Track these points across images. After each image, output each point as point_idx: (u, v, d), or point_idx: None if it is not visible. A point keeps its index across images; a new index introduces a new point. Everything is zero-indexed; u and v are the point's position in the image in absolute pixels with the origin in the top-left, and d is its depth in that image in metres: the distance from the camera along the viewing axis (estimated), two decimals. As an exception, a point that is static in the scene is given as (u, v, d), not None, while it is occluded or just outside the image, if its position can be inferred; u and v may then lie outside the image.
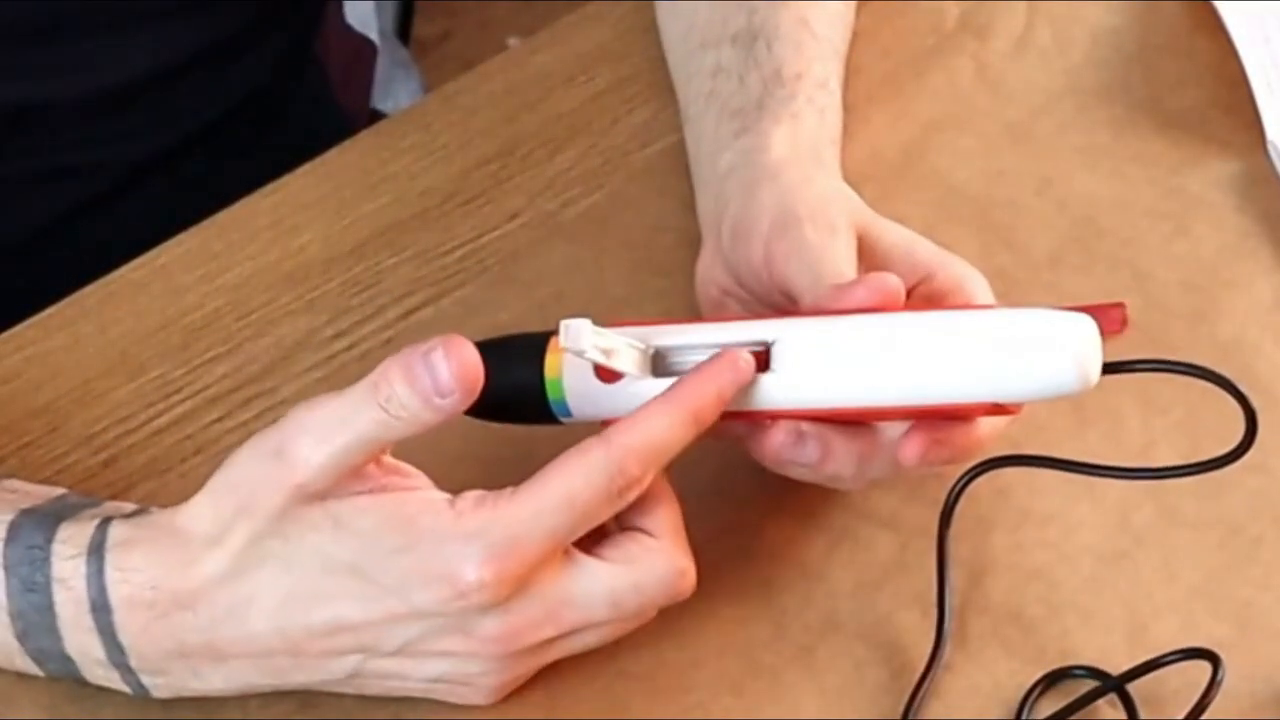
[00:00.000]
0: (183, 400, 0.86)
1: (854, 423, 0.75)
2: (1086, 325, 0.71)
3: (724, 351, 0.72)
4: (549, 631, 0.72)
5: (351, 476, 0.71)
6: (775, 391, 0.73)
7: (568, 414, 0.76)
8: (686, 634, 0.79)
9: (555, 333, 0.73)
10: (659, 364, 0.75)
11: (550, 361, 0.75)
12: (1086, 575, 0.81)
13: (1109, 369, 0.71)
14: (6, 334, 0.89)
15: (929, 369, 0.71)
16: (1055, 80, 0.98)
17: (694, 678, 0.78)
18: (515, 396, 0.76)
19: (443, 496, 0.71)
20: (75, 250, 0.95)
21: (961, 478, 0.79)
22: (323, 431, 0.70)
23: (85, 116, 1.01)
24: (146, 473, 0.84)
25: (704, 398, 0.71)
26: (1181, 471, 0.74)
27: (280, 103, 1.10)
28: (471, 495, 0.71)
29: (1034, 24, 1.00)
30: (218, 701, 0.75)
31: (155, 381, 0.87)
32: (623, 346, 0.74)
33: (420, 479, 0.73)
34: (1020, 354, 0.70)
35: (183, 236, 0.92)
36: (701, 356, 0.74)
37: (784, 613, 0.80)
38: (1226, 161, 0.94)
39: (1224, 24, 0.98)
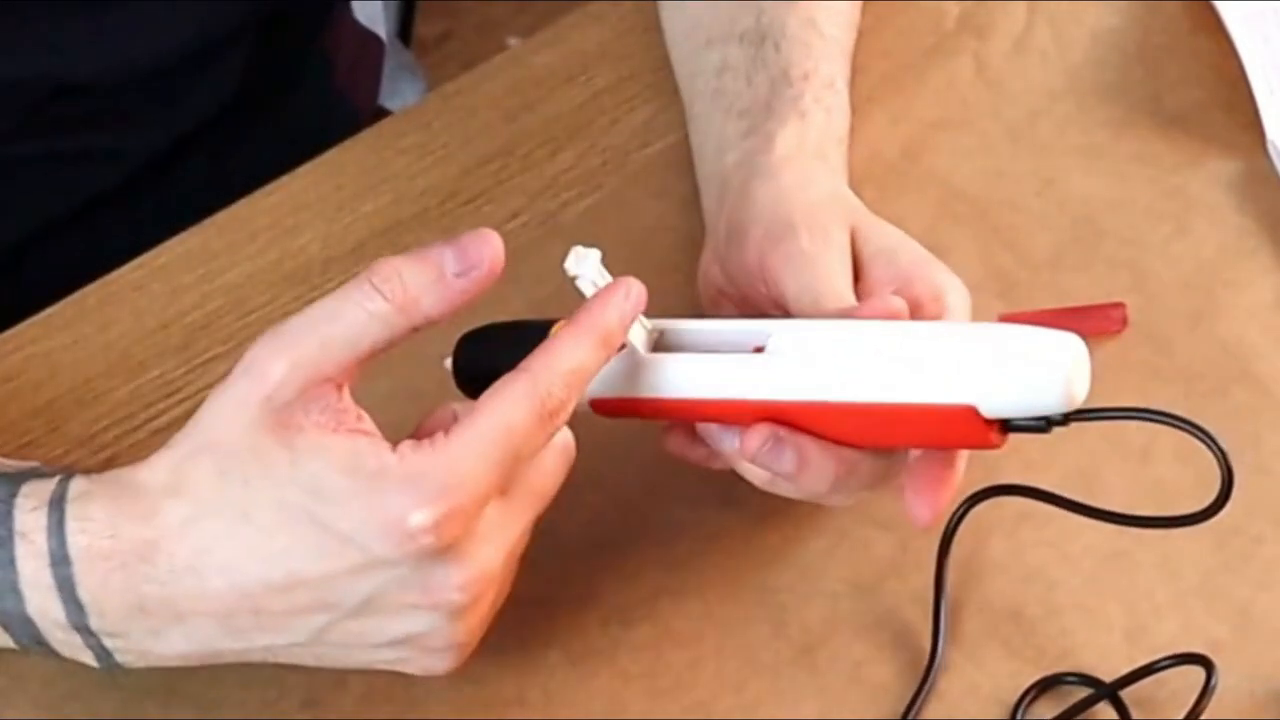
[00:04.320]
0: (183, 400, 0.86)
1: (834, 441, 0.74)
2: (1076, 345, 0.71)
3: (618, 280, 0.73)
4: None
5: (317, 392, 0.69)
6: (764, 377, 0.74)
7: None
8: (686, 634, 0.79)
9: (559, 320, 0.73)
10: (658, 345, 0.76)
11: None
12: (1085, 576, 0.81)
13: (1080, 416, 0.71)
14: (6, 334, 0.89)
15: (918, 369, 0.72)
16: (1055, 80, 0.98)
17: (694, 678, 0.78)
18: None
19: (385, 442, 0.70)
20: (87, 247, 0.93)
21: (961, 506, 0.79)
22: (294, 335, 0.70)
23: (123, 92, 0.99)
24: (146, 472, 0.84)
25: (608, 321, 0.72)
26: (1161, 523, 0.74)
27: (291, 91, 1.09)
28: (410, 440, 0.70)
29: (1034, 24, 1.00)
30: (217, 701, 0.76)
31: (155, 381, 0.87)
32: None
33: (370, 425, 0.71)
34: (1010, 364, 0.71)
35: (183, 236, 0.92)
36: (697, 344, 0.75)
37: (784, 613, 0.80)
38: (1226, 161, 0.94)
39: (1224, 24, 0.98)
